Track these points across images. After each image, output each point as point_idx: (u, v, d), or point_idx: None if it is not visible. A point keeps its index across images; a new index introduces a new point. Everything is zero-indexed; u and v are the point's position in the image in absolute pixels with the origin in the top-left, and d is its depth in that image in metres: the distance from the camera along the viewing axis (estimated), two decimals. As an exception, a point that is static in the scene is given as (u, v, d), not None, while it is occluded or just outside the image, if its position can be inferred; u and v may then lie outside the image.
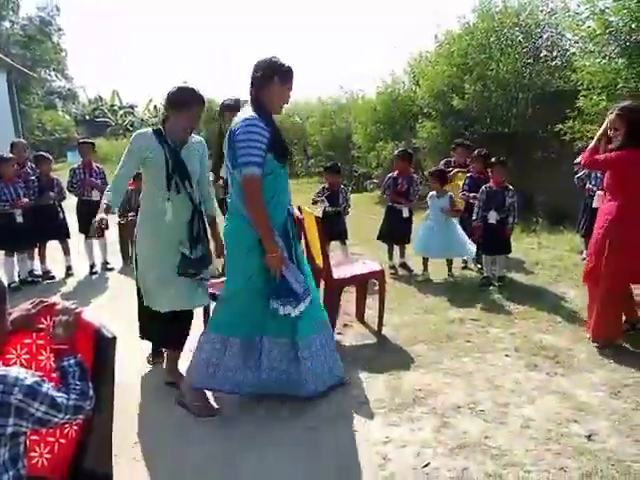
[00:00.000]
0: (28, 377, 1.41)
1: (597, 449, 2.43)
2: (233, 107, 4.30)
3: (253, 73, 2.77)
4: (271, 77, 2.72)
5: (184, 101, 2.99)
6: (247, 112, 2.73)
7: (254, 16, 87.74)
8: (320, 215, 4.68)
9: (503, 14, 9.07)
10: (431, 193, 5.26)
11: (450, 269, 5.31)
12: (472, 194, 5.29)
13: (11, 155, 5.47)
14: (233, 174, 2.73)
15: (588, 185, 5.71)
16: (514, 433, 2.59)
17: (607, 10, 6.63)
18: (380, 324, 3.90)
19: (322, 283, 3.90)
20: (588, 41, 7.11)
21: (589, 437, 2.53)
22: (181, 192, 2.98)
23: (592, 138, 6.61)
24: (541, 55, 9.27)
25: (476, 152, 5.55)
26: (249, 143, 2.59)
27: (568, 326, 3.92)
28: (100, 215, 2.92)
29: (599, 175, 5.61)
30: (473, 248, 5.07)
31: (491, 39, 9.05)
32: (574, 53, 8.76)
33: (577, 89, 7.13)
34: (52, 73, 31.35)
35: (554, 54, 9.32)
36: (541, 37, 9.18)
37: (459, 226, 5.19)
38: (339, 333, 3.89)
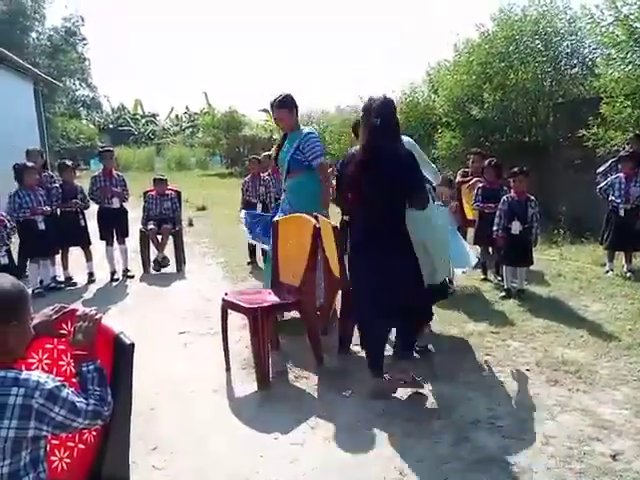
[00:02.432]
0: (49, 382, 1.43)
1: (622, 469, 2.36)
2: None
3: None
4: None
5: None
6: None
7: (257, 16, 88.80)
8: (337, 224, 4.67)
9: (522, 23, 9.03)
10: (436, 202, 5.15)
11: (451, 280, 5.19)
12: (487, 204, 5.25)
13: (33, 164, 5.58)
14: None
15: (611, 196, 5.62)
16: (534, 450, 2.53)
17: (631, 16, 6.54)
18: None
19: (339, 293, 3.90)
20: (611, 48, 7.02)
21: (614, 457, 2.45)
22: None
23: (615, 145, 6.61)
24: (561, 63, 9.21)
25: (487, 162, 5.49)
26: None
27: (591, 340, 3.84)
28: None
29: (622, 186, 5.53)
30: (473, 260, 4.93)
31: (510, 48, 9.01)
32: (592, 60, 8.68)
33: (599, 97, 7.04)
34: (76, 82, 32.03)
35: (574, 62, 9.26)
36: (561, 45, 9.12)
37: (460, 237, 5.08)
38: (357, 344, 3.86)
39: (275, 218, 4.11)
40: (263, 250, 4.98)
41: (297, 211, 3.87)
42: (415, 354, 3.48)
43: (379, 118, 2.96)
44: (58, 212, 5.79)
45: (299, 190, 4.07)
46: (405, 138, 3.25)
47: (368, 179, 2.96)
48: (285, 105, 4.03)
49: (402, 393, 3.12)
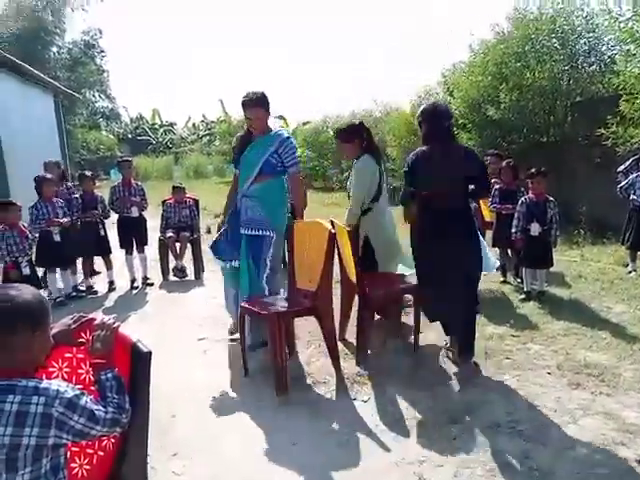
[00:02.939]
0: (68, 390, 1.45)
1: (647, 474, 2.31)
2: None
3: None
4: None
5: None
6: None
7: (258, 17, 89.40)
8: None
9: (538, 21, 8.94)
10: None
11: None
12: (505, 205, 5.22)
13: (51, 175, 5.67)
14: None
15: (632, 196, 5.52)
16: (556, 454, 2.49)
17: (652, 11, 6.44)
18: (416, 339, 3.82)
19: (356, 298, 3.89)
20: (630, 43, 6.91)
21: (639, 462, 2.40)
22: None
23: (636, 143, 6.48)
24: (578, 61, 9.09)
25: (504, 163, 5.46)
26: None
27: (614, 342, 3.76)
28: None
29: (644, 184, 5.43)
30: (495, 263, 4.94)
31: (526, 47, 8.92)
32: (610, 57, 8.55)
33: (618, 94, 6.93)
34: (96, 94, 32.58)
35: (592, 60, 9.13)
36: (578, 43, 9.00)
37: (482, 240, 5.06)
38: (374, 349, 3.85)
39: (242, 231, 3.83)
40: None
41: (271, 221, 3.75)
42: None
43: (448, 121, 3.42)
44: (78, 222, 5.88)
45: (269, 195, 3.78)
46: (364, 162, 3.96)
47: (442, 176, 3.28)
48: (263, 104, 3.71)
49: (420, 397, 3.10)
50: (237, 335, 3.78)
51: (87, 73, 30.00)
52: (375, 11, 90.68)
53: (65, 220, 5.48)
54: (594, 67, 9.15)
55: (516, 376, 3.33)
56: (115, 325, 1.74)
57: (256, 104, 3.68)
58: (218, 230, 4.08)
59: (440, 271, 3.33)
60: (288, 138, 3.83)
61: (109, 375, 1.66)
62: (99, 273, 6.50)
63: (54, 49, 29.21)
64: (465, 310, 3.38)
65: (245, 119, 3.82)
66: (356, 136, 4.07)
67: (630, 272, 5.52)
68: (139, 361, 1.81)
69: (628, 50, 7.11)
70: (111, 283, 6.11)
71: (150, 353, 1.82)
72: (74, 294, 5.75)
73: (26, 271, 4.93)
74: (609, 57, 8.88)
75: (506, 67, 9.00)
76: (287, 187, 3.90)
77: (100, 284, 6.13)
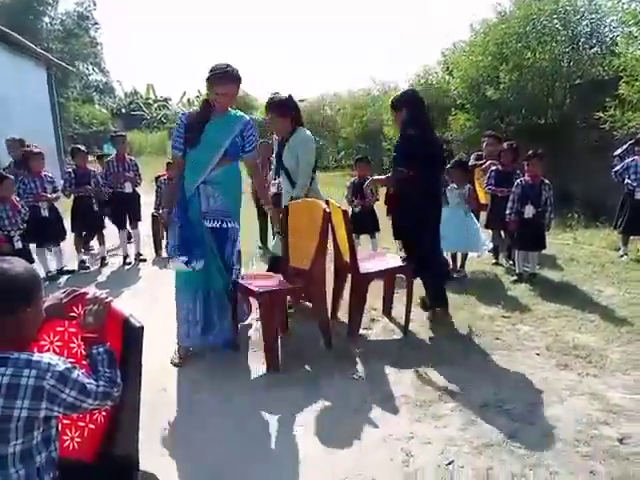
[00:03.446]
0: (60, 363, 1.46)
1: (629, 453, 2.36)
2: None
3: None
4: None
5: None
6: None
7: (258, 16, 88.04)
8: (348, 209, 4.67)
9: (541, 2, 8.83)
10: (451, 185, 5.12)
11: (463, 264, 5.18)
12: (500, 188, 5.21)
13: (40, 150, 5.59)
14: None
15: (627, 180, 5.53)
16: (542, 433, 2.53)
17: (655, -8, 6.38)
18: (407, 319, 3.85)
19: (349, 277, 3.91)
20: (633, 25, 6.85)
21: (621, 441, 2.45)
22: None
23: (633, 127, 6.47)
24: (580, 43, 9.01)
25: (506, 145, 5.43)
26: (175, 132, 3.45)
27: (602, 325, 3.81)
28: None
29: (638, 169, 5.43)
30: (489, 245, 4.98)
31: (527, 28, 8.82)
32: (612, 39, 8.49)
33: (618, 77, 6.89)
34: (89, 67, 32.05)
35: (593, 42, 9.05)
36: (580, 24, 8.90)
37: (476, 221, 5.08)
38: (366, 328, 3.88)
39: (207, 224, 3.36)
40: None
41: (233, 210, 3.45)
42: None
43: (426, 108, 3.91)
44: (66, 198, 5.80)
45: (230, 181, 3.42)
46: (307, 133, 3.91)
47: (429, 157, 3.67)
48: (238, 81, 3.29)
49: (409, 376, 3.14)
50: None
51: (80, 45, 29.44)
52: (375, 11, 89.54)
53: (53, 196, 5.43)
54: (595, 49, 9.08)
55: (505, 356, 3.37)
56: (107, 300, 1.74)
57: (232, 80, 3.26)
58: (165, 225, 3.56)
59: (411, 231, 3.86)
60: (250, 120, 3.52)
61: (100, 349, 1.66)
62: (92, 248, 6.48)
63: (46, 20, 28.60)
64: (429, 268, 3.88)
65: (213, 94, 3.28)
66: (291, 110, 3.90)
67: (622, 256, 5.56)
68: (131, 336, 1.81)
69: (630, 32, 7.07)
70: (103, 259, 6.10)
71: (142, 328, 1.82)
72: (66, 269, 5.74)
73: (18, 245, 4.91)
74: (611, 39, 8.81)
75: (507, 47, 8.92)
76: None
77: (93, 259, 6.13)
